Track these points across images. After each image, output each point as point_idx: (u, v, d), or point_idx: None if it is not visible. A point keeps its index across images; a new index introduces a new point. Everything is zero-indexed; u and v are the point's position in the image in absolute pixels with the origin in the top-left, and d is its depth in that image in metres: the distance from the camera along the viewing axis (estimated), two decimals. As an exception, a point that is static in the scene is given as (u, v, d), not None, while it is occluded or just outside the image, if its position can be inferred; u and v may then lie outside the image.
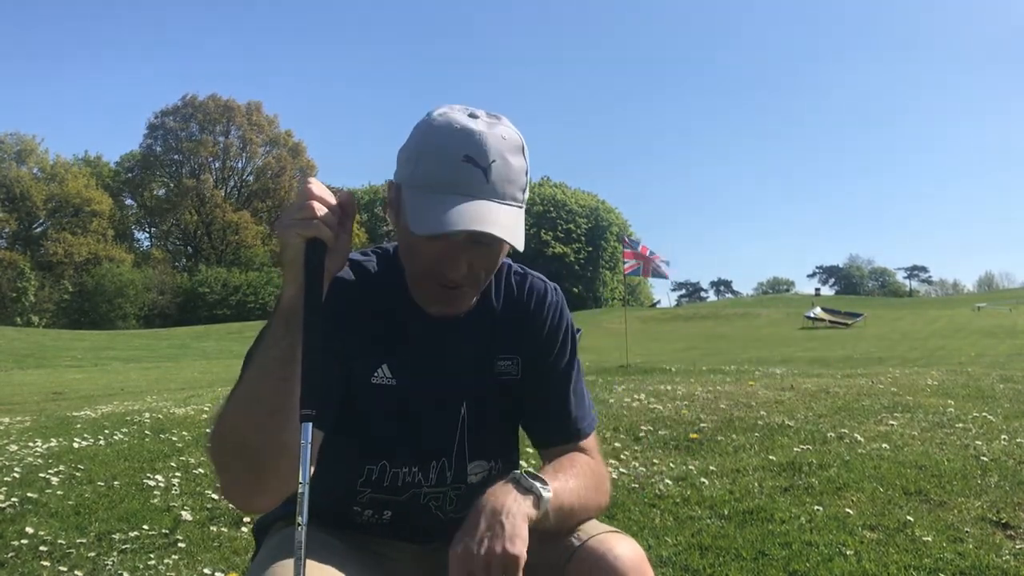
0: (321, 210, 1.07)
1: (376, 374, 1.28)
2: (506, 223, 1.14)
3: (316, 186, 1.10)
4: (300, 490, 0.99)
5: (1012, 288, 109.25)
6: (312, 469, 1.01)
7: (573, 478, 1.25)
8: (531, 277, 1.41)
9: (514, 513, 1.09)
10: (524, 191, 1.21)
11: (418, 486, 1.33)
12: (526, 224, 1.26)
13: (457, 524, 1.12)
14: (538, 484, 1.15)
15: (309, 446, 1.00)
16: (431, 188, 1.14)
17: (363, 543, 1.33)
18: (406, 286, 1.30)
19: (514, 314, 1.36)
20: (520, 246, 1.18)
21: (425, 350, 1.31)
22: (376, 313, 1.29)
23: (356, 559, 1.26)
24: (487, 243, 1.18)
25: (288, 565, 1.11)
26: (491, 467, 1.38)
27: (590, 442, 1.39)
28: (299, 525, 0.98)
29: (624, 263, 13.05)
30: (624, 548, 1.19)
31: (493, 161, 1.15)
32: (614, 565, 1.16)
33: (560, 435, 1.37)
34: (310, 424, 1.01)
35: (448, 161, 1.14)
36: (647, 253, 12.53)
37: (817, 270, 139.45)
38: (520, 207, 1.20)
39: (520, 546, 1.06)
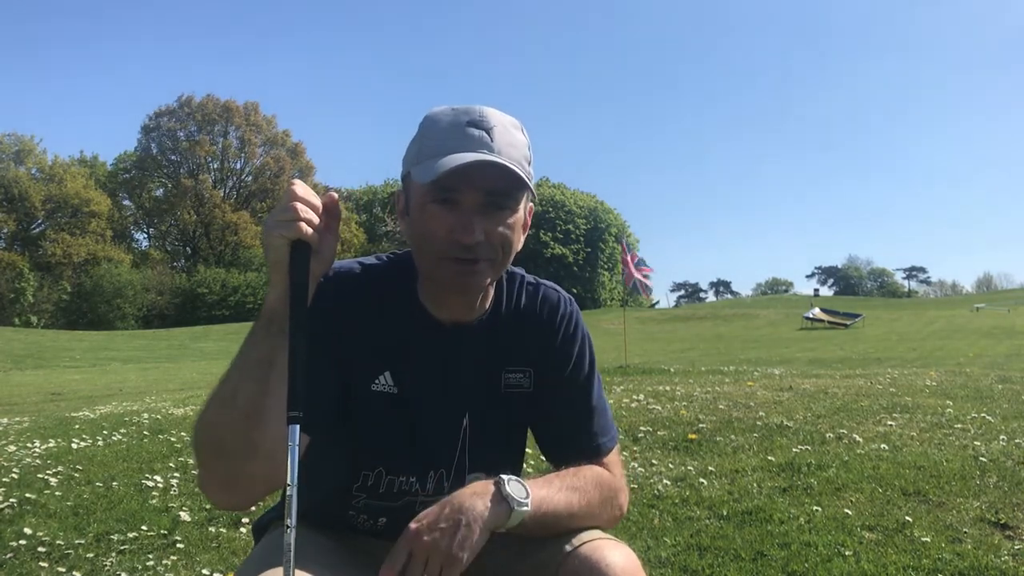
0: (305, 212, 1.07)
1: (377, 381, 1.26)
2: (513, 169, 1.14)
3: (300, 188, 1.09)
4: (288, 492, 0.98)
5: (1011, 289, 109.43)
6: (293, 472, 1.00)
7: (568, 489, 1.21)
8: (544, 287, 1.37)
9: (477, 520, 1.08)
10: (529, 164, 1.21)
11: (414, 494, 1.31)
12: None
13: None
14: (518, 496, 1.12)
15: (296, 448, 0.99)
16: (437, 154, 1.14)
17: (357, 546, 1.32)
18: (416, 292, 1.29)
19: (525, 324, 1.33)
20: (530, 196, 1.21)
21: (430, 359, 1.28)
22: (383, 318, 1.27)
23: (348, 561, 1.26)
24: (500, 205, 1.17)
25: (278, 567, 1.11)
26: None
27: (611, 457, 1.35)
28: (287, 527, 0.97)
29: (623, 267, 13.09)
30: (617, 556, 1.16)
31: (495, 126, 1.17)
32: (606, 574, 1.13)
33: (579, 454, 1.31)
34: (297, 426, 1.00)
35: (452, 128, 1.16)
36: (634, 263, 12.57)
37: (816, 271, 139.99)
38: (528, 174, 1.18)
39: (465, 554, 1.06)
